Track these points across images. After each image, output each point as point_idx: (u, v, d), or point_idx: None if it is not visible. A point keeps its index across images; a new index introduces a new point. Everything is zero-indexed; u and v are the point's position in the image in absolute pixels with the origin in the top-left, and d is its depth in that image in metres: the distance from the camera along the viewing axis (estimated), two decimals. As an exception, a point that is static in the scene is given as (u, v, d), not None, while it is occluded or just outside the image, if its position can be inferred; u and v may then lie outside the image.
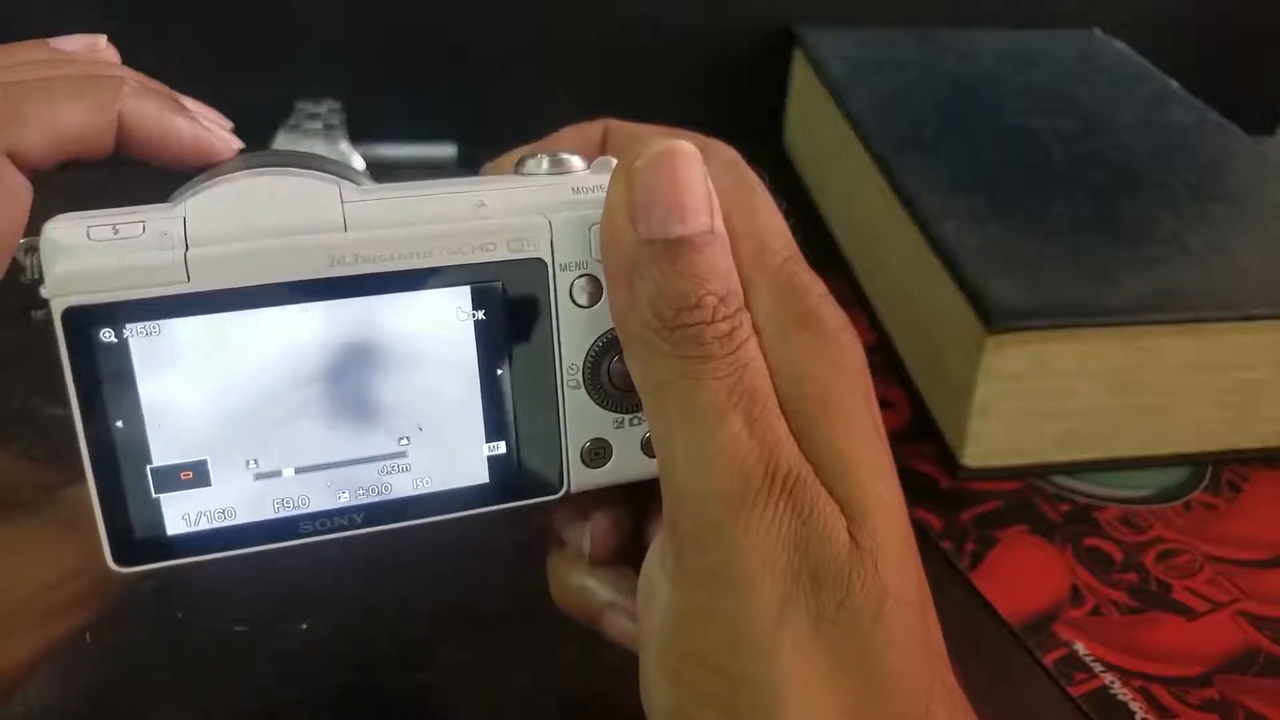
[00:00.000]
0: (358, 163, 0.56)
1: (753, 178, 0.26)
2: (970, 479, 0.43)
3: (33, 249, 0.22)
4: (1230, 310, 0.42)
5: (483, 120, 0.65)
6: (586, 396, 0.26)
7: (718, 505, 0.22)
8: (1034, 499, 0.43)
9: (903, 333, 0.50)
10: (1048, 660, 0.36)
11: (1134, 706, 0.34)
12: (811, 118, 0.65)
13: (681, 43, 0.68)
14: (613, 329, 0.25)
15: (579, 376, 0.26)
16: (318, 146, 0.56)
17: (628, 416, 0.26)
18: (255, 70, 0.62)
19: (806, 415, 0.23)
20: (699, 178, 0.23)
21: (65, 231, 0.22)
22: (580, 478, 0.26)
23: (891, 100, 0.58)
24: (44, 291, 0.22)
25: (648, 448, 0.26)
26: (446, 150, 0.64)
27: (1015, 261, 0.43)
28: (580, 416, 0.26)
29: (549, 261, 0.25)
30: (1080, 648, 0.36)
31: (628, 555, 0.28)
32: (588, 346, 0.25)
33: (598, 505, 0.28)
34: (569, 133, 0.30)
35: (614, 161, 0.25)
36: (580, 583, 0.29)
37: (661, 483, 0.23)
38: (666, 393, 0.23)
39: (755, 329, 0.24)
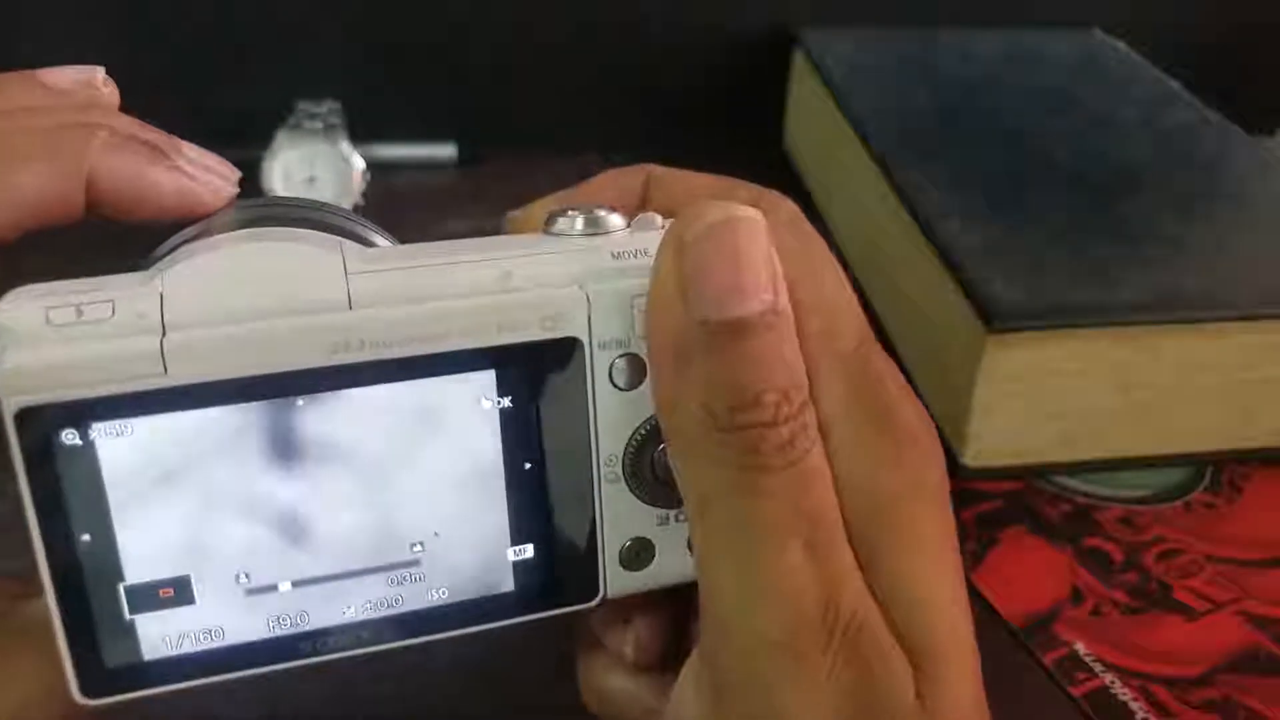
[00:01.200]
0: (358, 162, 0.56)
1: (819, 240, 0.23)
2: (970, 479, 0.43)
3: None
4: (1231, 310, 0.42)
5: (483, 120, 0.65)
6: (627, 491, 0.23)
7: (767, 654, 0.19)
8: (1034, 499, 0.43)
9: (903, 333, 0.50)
10: (1048, 660, 0.36)
11: (1134, 706, 0.34)
12: (811, 119, 0.65)
13: (681, 44, 0.68)
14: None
15: (618, 469, 0.23)
16: (318, 146, 0.56)
17: (672, 512, 0.23)
18: (255, 70, 0.62)
19: (876, 540, 0.20)
20: (762, 249, 0.20)
21: (19, 315, 0.19)
22: (618, 582, 0.23)
23: (891, 101, 0.58)
24: None
25: None
26: (446, 150, 0.64)
27: (1015, 262, 0.43)
28: (619, 514, 0.23)
29: (586, 340, 0.22)
30: (1081, 648, 0.36)
31: (673, 659, 0.25)
32: (629, 435, 0.22)
33: (641, 607, 0.25)
34: (605, 181, 0.27)
35: (658, 219, 0.22)
36: (618, 688, 0.25)
37: (701, 608, 0.20)
38: (714, 505, 0.20)
39: (820, 426, 0.20)
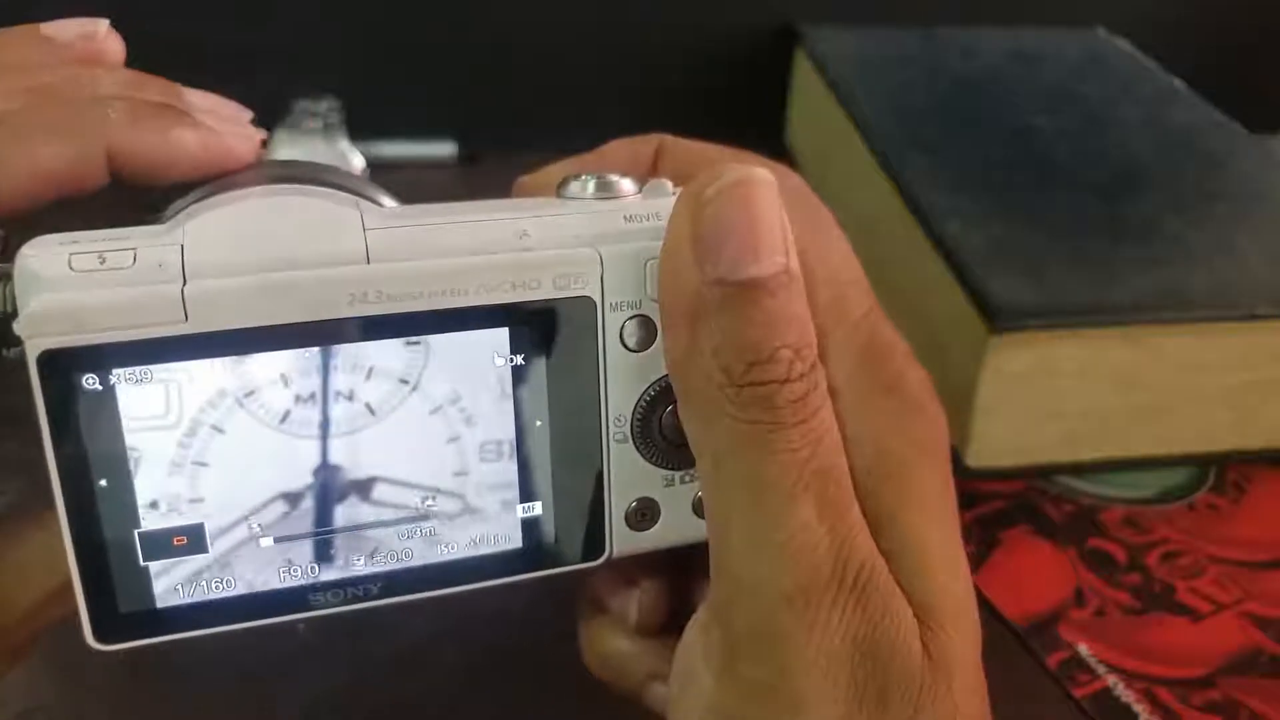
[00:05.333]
0: (357, 161, 0.56)
1: (826, 212, 0.23)
2: (973, 479, 0.43)
3: (6, 278, 0.19)
4: (1234, 310, 0.41)
5: (482, 118, 0.65)
6: (634, 451, 0.23)
7: (779, 607, 0.19)
8: (1037, 499, 0.42)
9: (905, 332, 0.49)
10: (1051, 662, 0.35)
11: (1137, 708, 0.34)
12: (813, 116, 0.65)
13: (683, 41, 0.67)
14: (666, 376, 0.22)
15: (626, 429, 0.23)
16: (317, 145, 0.56)
17: (678, 474, 0.24)
18: (253, 68, 0.62)
19: (883, 498, 0.21)
20: (776, 211, 0.20)
21: (44, 260, 0.19)
22: (624, 542, 0.24)
23: (894, 99, 0.58)
24: (18, 329, 0.19)
25: (699, 509, 0.24)
26: (446, 149, 0.64)
27: (1018, 261, 0.43)
28: (626, 474, 0.23)
29: (598, 300, 0.22)
30: (1083, 649, 0.36)
31: (675, 622, 0.25)
32: (637, 396, 0.23)
33: (645, 570, 0.25)
34: (617, 148, 0.27)
35: (669, 185, 0.23)
36: (620, 651, 0.26)
37: (713, 564, 0.21)
38: (728, 462, 0.20)
39: (830, 391, 0.21)
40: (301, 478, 0.21)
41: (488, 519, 0.23)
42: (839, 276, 0.22)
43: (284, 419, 0.21)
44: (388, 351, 0.21)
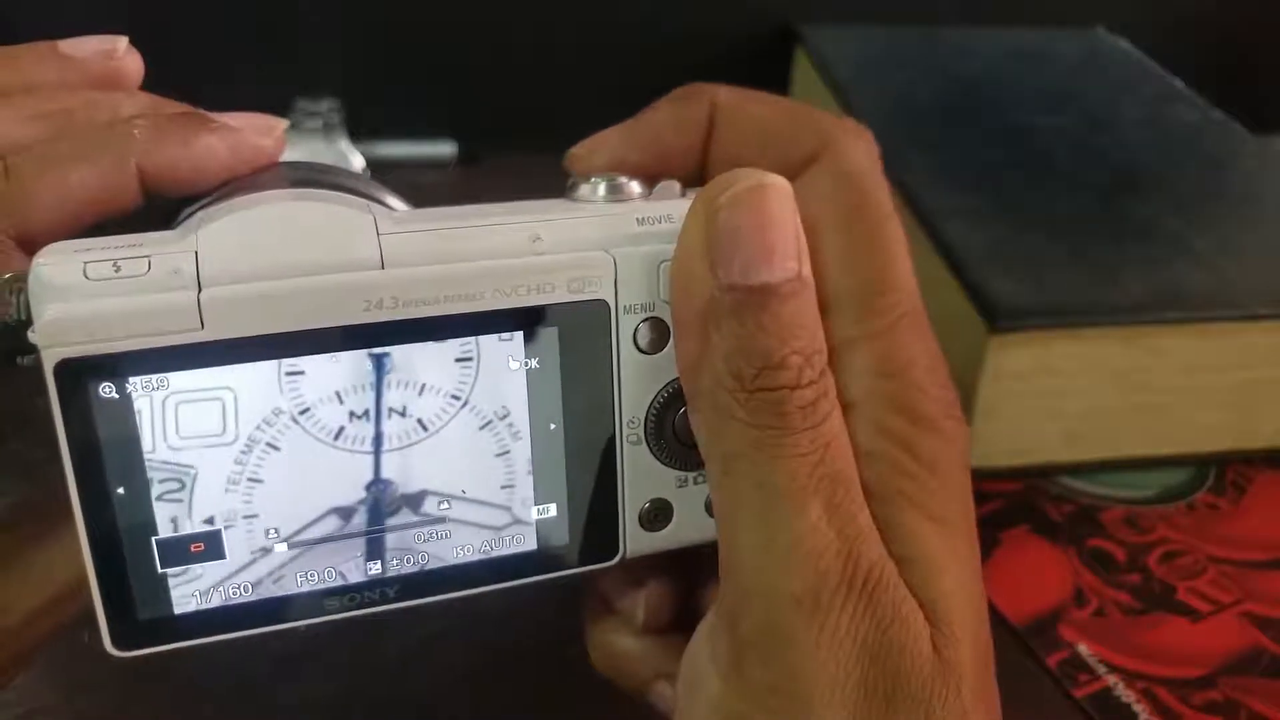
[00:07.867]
0: (357, 161, 0.56)
1: (883, 200, 0.23)
2: (973, 479, 0.43)
3: (20, 285, 0.19)
4: (1234, 310, 0.41)
5: (482, 118, 0.65)
6: (648, 453, 0.23)
7: (788, 610, 0.19)
8: (1037, 499, 0.42)
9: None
10: (1051, 662, 0.35)
11: (1137, 708, 0.34)
12: (813, 116, 0.65)
13: (683, 41, 0.67)
14: (679, 377, 0.22)
15: (640, 431, 0.23)
16: (317, 145, 0.56)
17: (691, 475, 0.24)
18: (255, 70, 0.62)
19: (893, 505, 0.21)
20: (790, 217, 0.20)
21: (58, 269, 0.19)
22: (637, 542, 0.24)
23: (894, 99, 0.58)
24: (33, 338, 0.19)
25: (711, 509, 0.24)
26: (446, 149, 0.64)
27: (1018, 261, 0.43)
28: (640, 475, 0.23)
29: (612, 303, 0.22)
30: (1083, 649, 0.36)
31: (681, 622, 0.25)
32: (651, 398, 0.23)
33: (653, 570, 0.25)
34: (666, 111, 0.26)
35: (678, 187, 0.23)
36: (626, 649, 0.26)
37: (722, 567, 0.21)
38: (737, 465, 0.20)
39: (847, 403, 0.21)
40: (320, 483, 0.21)
41: (503, 521, 0.23)
42: (878, 273, 0.22)
43: (301, 425, 0.21)
44: (404, 355, 0.21)
